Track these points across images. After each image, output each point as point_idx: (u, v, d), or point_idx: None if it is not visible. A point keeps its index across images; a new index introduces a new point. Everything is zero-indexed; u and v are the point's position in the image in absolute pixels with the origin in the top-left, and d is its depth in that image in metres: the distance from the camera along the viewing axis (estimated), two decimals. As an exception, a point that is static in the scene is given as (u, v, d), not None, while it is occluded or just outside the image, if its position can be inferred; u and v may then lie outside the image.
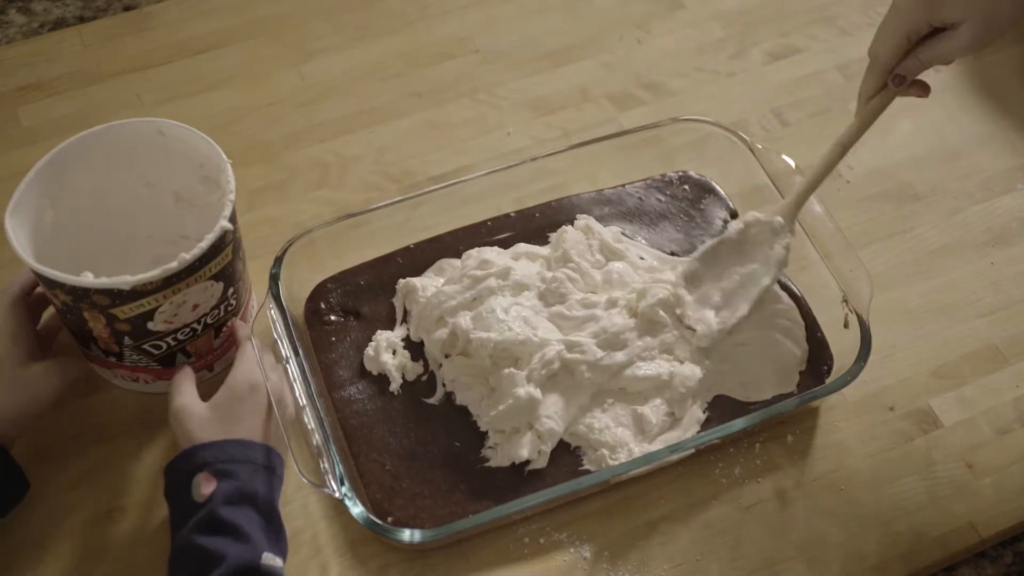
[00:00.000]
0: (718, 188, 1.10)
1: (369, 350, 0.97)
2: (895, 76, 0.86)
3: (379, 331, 0.99)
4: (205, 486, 0.80)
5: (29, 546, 0.89)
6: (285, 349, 0.92)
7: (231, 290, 0.91)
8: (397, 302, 1.01)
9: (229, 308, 0.93)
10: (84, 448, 0.94)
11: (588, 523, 0.91)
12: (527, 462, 0.91)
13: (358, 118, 1.17)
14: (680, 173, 1.11)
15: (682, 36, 1.26)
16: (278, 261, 0.96)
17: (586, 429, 0.93)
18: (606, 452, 0.91)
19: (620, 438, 0.92)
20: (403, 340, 0.99)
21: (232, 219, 0.86)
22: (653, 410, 0.93)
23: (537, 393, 0.91)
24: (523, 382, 0.91)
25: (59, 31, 1.24)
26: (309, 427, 0.88)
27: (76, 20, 1.26)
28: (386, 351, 0.97)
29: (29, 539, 0.90)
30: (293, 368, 0.91)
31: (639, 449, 0.92)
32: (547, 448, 0.91)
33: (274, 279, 0.95)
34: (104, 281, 0.81)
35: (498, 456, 0.92)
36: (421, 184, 1.11)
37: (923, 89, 0.89)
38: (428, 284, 1.00)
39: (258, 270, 1.04)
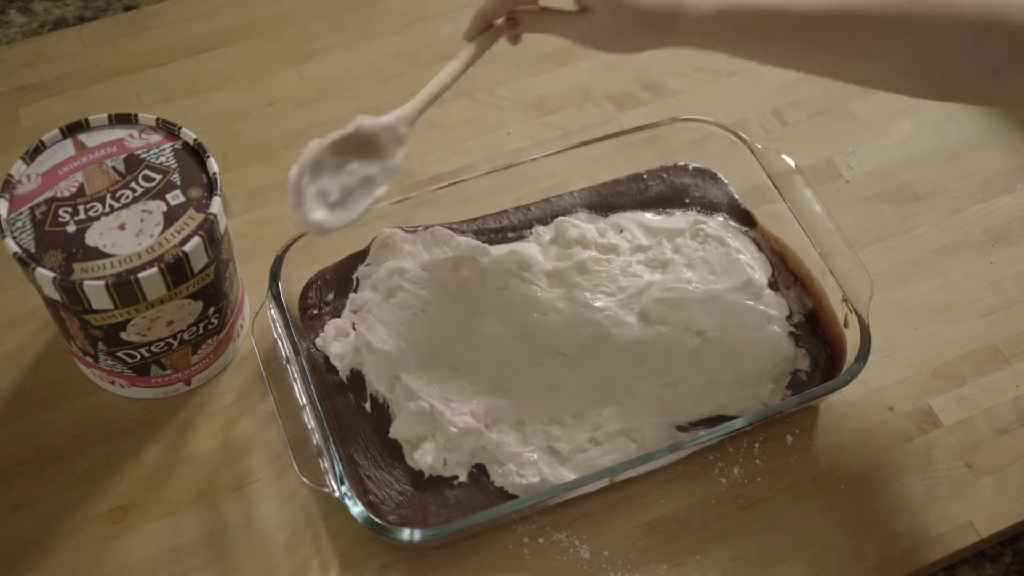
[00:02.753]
0: (719, 175, 1.11)
1: (319, 340, 0.97)
2: (512, 18, 0.88)
3: (329, 320, 0.99)
4: None
5: (29, 546, 0.89)
6: (285, 349, 0.92)
7: (212, 309, 0.91)
8: (371, 256, 1.01)
9: (210, 327, 0.93)
10: (84, 448, 0.94)
11: (588, 523, 0.91)
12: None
13: (358, 118, 1.17)
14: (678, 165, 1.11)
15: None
16: (278, 261, 0.96)
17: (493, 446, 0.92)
18: (513, 467, 0.91)
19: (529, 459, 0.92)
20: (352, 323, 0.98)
21: (213, 241, 0.86)
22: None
23: (434, 404, 0.91)
24: (417, 395, 0.92)
25: (59, 31, 1.24)
26: (309, 427, 0.88)
27: (76, 20, 1.26)
28: (334, 341, 0.97)
29: (29, 539, 0.90)
30: (293, 368, 0.91)
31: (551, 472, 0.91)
32: (454, 457, 0.91)
33: (274, 279, 0.95)
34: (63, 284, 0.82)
35: (414, 463, 0.91)
36: (421, 184, 1.11)
37: (516, 39, 0.90)
38: (406, 249, 1.01)
39: (258, 270, 1.04)
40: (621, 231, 1.05)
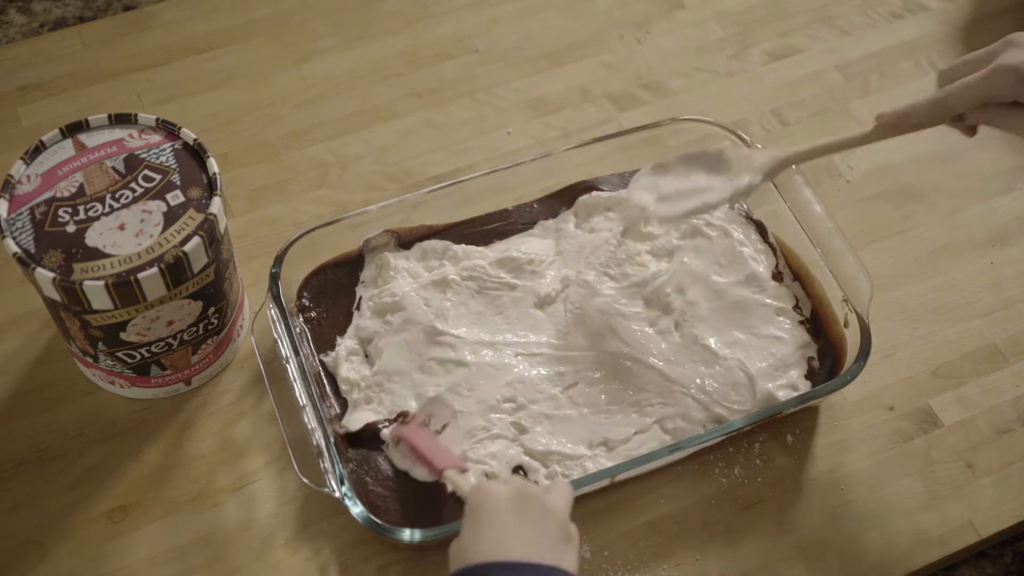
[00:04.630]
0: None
1: (328, 359, 0.97)
2: (959, 117, 0.85)
3: (338, 338, 0.98)
4: None
5: (29, 546, 0.89)
6: (285, 349, 0.92)
7: (212, 309, 0.91)
8: (366, 274, 1.01)
9: (210, 327, 0.93)
10: (84, 448, 0.94)
11: (588, 523, 0.91)
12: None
13: (358, 118, 1.17)
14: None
15: (682, 36, 1.26)
16: (278, 261, 0.96)
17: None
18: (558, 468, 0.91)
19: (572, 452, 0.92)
20: (357, 340, 0.98)
21: (212, 241, 0.86)
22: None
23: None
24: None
25: (59, 31, 1.24)
26: (309, 427, 0.88)
27: (76, 20, 1.26)
28: (345, 362, 0.96)
29: (29, 539, 0.90)
30: (293, 368, 0.91)
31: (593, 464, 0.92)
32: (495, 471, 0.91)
33: (274, 279, 0.95)
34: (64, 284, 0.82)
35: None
36: (421, 184, 1.11)
37: (971, 131, 0.88)
38: (401, 266, 1.00)
39: (258, 270, 1.04)
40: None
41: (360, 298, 1.00)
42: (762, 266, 1.02)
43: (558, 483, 0.76)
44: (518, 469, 0.91)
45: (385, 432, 0.92)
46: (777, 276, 1.02)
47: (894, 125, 0.87)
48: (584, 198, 1.06)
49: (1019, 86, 0.79)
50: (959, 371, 1.02)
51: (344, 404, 0.95)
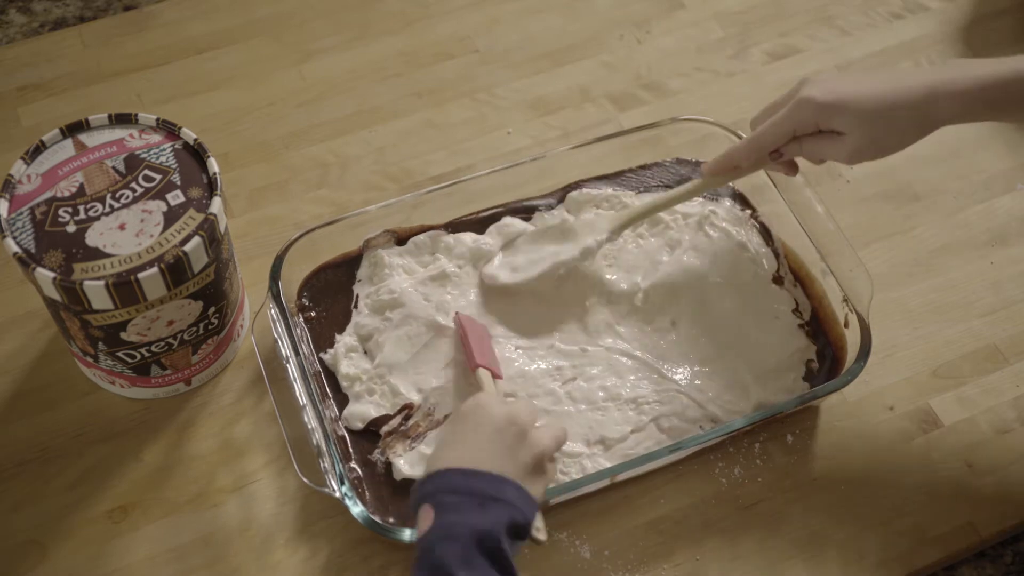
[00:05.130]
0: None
1: (327, 356, 0.97)
2: (774, 152, 0.91)
3: (337, 336, 0.98)
4: (424, 520, 0.73)
5: (29, 546, 0.89)
6: (285, 349, 0.92)
7: (212, 309, 0.91)
8: (362, 272, 1.01)
9: (210, 327, 0.93)
10: (84, 448, 0.94)
11: (588, 523, 0.91)
12: None
13: (358, 118, 1.17)
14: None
15: (682, 36, 1.26)
16: (278, 261, 0.96)
17: None
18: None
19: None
20: (356, 337, 0.98)
21: (213, 241, 0.86)
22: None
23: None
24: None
25: (59, 31, 1.24)
26: (309, 427, 0.88)
27: (76, 20, 1.26)
28: (344, 358, 0.96)
29: (29, 539, 0.90)
30: (293, 368, 0.91)
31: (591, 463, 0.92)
32: None
33: (274, 279, 0.95)
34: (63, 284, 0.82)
35: None
36: (421, 184, 1.11)
37: (792, 168, 0.95)
38: (396, 263, 1.00)
39: (258, 270, 1.04)
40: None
41: (357, 296, 1.00)
42: (762, 269, 1.02)
43: (553, 424, 0.82)
44: None
45: (385, 429, 0.92)
46: (778, 280, 1.02)
47: (718, 171, 0.95)
48: (574, 194, 1.06)
49: (817, 113, 0.86)
50: (959, 371, 1.02)
51: (344, 402, 0.95)
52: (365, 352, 0.97)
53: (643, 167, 1.10)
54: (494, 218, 1.05)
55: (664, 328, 0.99)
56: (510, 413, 0.78)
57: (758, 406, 0.94)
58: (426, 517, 0.72)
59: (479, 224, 1.05)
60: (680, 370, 0.96)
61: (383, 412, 0.93)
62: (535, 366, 0.96)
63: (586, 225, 1.01)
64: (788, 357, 0.98)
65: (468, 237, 1.03)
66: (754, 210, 1.08)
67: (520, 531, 0.74)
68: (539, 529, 0.76)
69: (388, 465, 0.91)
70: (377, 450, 0.92)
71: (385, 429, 0.92)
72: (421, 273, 1.00)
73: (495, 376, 0.90)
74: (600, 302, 0.99)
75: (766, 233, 1.06)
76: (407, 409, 0.93)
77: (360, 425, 0.93)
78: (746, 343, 0.98)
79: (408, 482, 0.90)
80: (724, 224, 1.05)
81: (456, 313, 0.96)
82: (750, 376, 0.96)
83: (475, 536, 0.70)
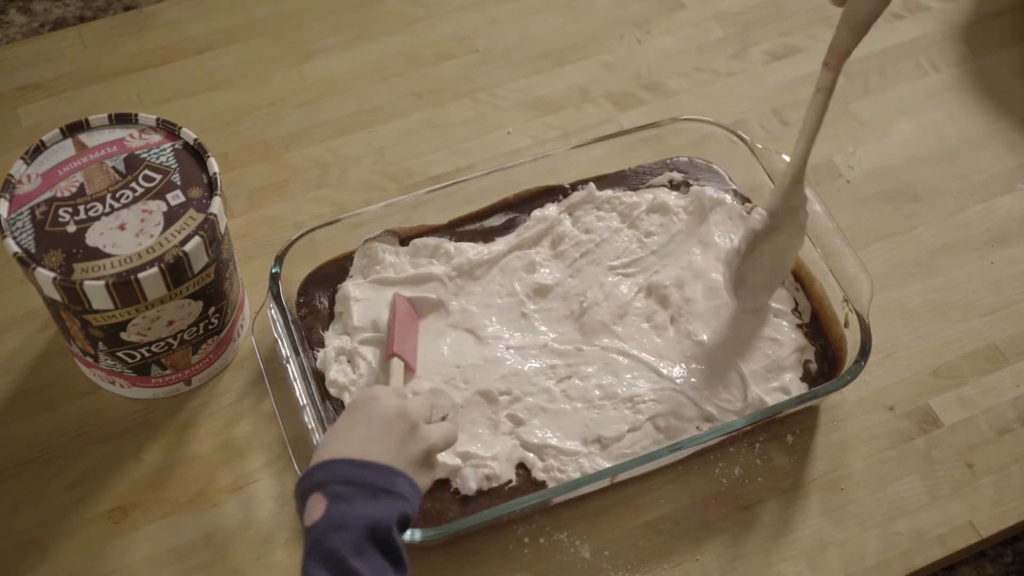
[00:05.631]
0: (718, 168, 1.11)
1: (318, 359, 0.96)
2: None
3: (328, 334, 0.98)
4: (315, 509, 0.73)
5: (29, 546, 0.89)
6: (285, 349, 0.92)
7: (212, 309, 0.91)
8: (355, 267, 1.01)
9: (210, 327, 0.93)
10: (84, 448, 0.94)
11: (588, 523, 0.91)
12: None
13: (358, 118, 1.17)
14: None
15: (682, 36, 1.26)
16: (278, 261, 0.96)
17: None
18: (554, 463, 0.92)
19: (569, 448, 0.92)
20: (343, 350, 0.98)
21: (213, 241, 0.86)
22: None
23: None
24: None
25: (59, 31, 1.24)
26: (309, 427, 0.88)
27: (76, 20, 1.26)
28: (334, 363, 0.96)
29: (29, 539, 0.90)
30: (293, 368, 0.91)
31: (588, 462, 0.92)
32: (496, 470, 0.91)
33: (274, 279, 0.95)
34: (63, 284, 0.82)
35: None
36: (421, 184, 1.11)
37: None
38: (388, 260, 1.00)
39: (258, 270, 1.04)
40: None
41: (351, 292, 0.99)
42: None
43: (445, 424, 0.85)
44: (520, 466, 0.91)
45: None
46: None
47: (837, 64, 0.88)
48: (575, 195, 1.06)
49: None
50: (959, 371, 1.02)
51: (343, 405, 0.95)
52: (349, 361, 0.97)
53: (642, 167, 1.10)
54: (498, 229, 1.05)
55: (662, 325, 0.99)
56: (402, 407, 0.79)
57: (754, 405, 0.94)
58: (317, 506, 0.72)
59: (480, 228, 1.05)
60: (677, 368, 0.96)
61: None
62: (528, 365, 0.96)
63: (784, 211, 0.95)
64: (786, 357, 0.98)
65: (471, 249, 1.02)
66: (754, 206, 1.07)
67: (406, 523, 0.75)
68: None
69: None
70: None
71: None
72: (408, 272, 1.00)
73: (408, 369, 0.91)
74: (596, 300, 0.99)
75: None
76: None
77: None
78: (744, 342, 0.98)
79: None
80: (725, 220, 1.05)
81: (394, 295, 0.96)
82: (747, 375, 0.96)
83: (368, 526, 0.71)
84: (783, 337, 0.99)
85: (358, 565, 0.69)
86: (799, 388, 0.96)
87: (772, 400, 0.94)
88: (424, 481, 0.80)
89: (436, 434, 0.82)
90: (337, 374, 0.95)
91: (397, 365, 0.91)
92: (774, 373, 0.97)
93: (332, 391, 0.94)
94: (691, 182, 1.09)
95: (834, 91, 0.89)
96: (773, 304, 1.01)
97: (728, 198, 1.07)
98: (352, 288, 0.98)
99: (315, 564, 0.70)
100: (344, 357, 0.96)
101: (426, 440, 0.80)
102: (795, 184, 0.94)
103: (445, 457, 0.90)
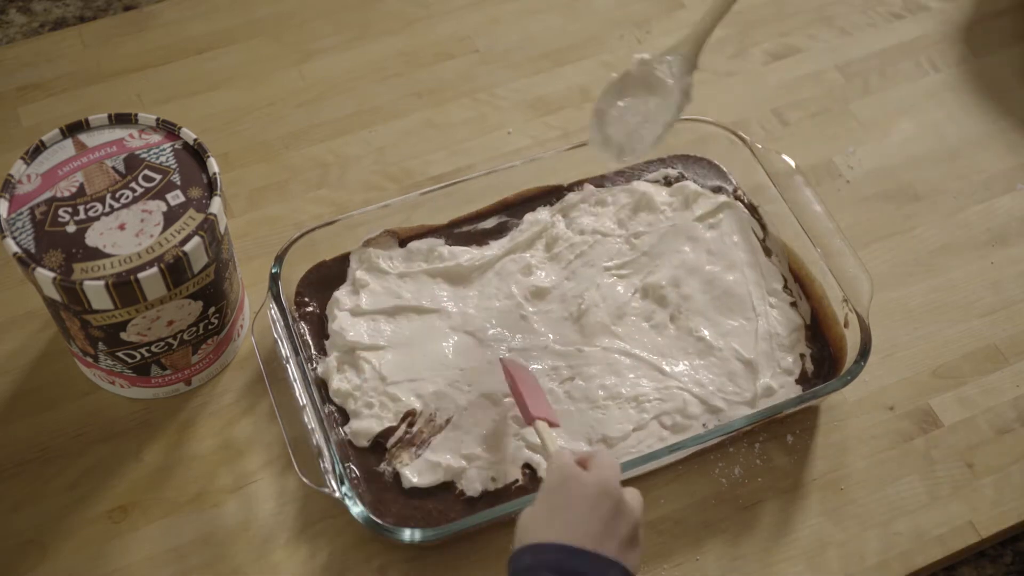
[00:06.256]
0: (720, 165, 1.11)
1: (319, 366, 0.96)
2: None
3: (327, 343, 0.98)
4: None
5: (29, 546, 0.89)
6: (285, 349, 0.92)
7: (212, 309, 0.91)
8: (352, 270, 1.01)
9: (210, 327, 0.93)
10: (84, 448, 0.94)
11: (588, 523, 0.91)
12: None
13: (358, 118, 1.17)
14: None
15: (682, 36, 1.26)
16: (278, 261, 0.96)
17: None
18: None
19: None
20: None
21: (213, 241, 0.86)
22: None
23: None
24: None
25: (59, 31, 1.24)
26: (309, 427, 0.88)
27: (76, 20, 1.26)
28: (336, 373, 0.95)
29: (29, 539, 0.90)
30: (293, 368, 0.91)
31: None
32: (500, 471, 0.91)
33: (274, 279, 0.95)
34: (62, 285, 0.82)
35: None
36: (421, 184, 1.11)
37: None
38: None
39: (258, 270, 1.04)
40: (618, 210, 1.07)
41: (343, 302, 0.99)
42: (753, 243, 1.04)
43: (633, 491, 0.76)
44: (526, 467, 0.91)
45: (391, 441, 0.92)
46: (767, 251, 1.04)
47: None
48: (570, 195, 1.06)
49: None
50: (959, 371, 1.02)
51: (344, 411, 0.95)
52: (354, 364, 0.96)
53: (639, 165, 1.10)
54: (493, 231, 1.05)
55: (663, 323, 0.99)
56: (602, 482, 0.73)
57: (762, 391, 0.94)
58: None
59: (477, 230, 1.05)
60: (680, 365, 0.96)
61: (386, 424, 0.93)
62: (531, 367, 0.96)
63: (663, 64, 0.94)
64: (787, 336, 0.98)
65: (464, 253, 1.02)
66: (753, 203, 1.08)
67: None
68: None
69: (396, 475, 0.91)
70: (384, 462, 0.92)
71: (391, 441, 0.92)
72: (395, 271, 1.01)
73: (552, 425, 0.86)
74: (595, 302, 0.99)
75: (754, 211, 1.06)
76: (410, 416, 0.93)
77: (366, 443, 0.92)
78: (741, 327, 0.98)
79: (417, 491, 0.90)
80: (710, 214, 1.05)
81: (501, 359, 0.94)
82: (753, 362, 0.96)
83: None
84: (781, 316, 0.99)
85: None
86: (802, 367, 0.97)
87: (778, 385, 0.95)
88: (635, 560, 0.73)
89: (635, 500, 0.75)
90: (340, 382, 0.95)
91: (543, 428, 0.85)
92: (777, 355, 0.97)
93: (336, 400, 0.94)
94: (685, 176, 1.09)
95: None
96: (764, 283, 1.01)
97: (709, 192, 1.07)
98: (344, 298, 0.99)
99: None
100: (347, 365, 0.96)
101: (632, 514, 0.74)
102: (681, 56, 0.93)
103: (450, 460, 0.90)
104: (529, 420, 0.86)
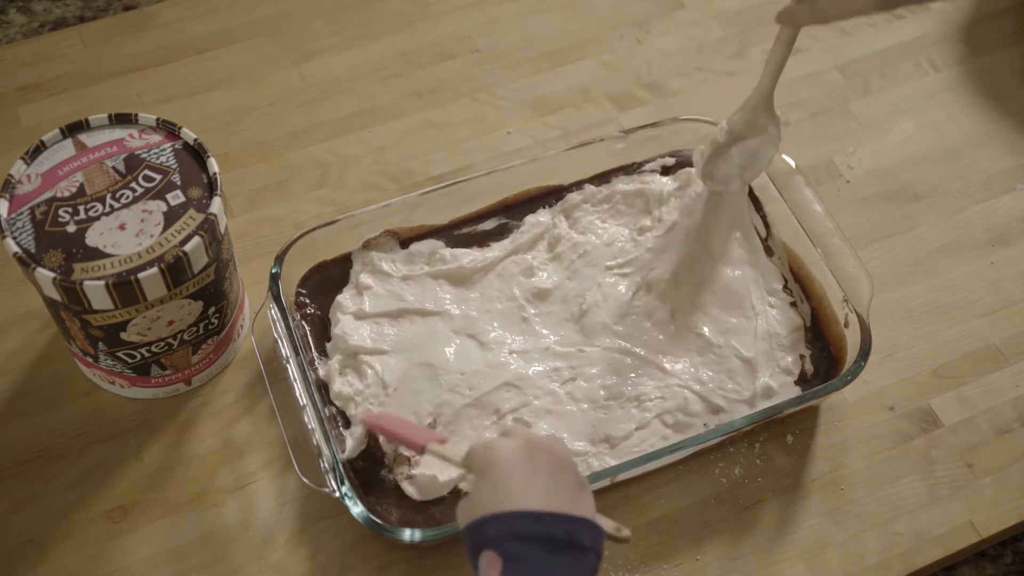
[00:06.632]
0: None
1: (321, 369, 0.96)
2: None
3: (328, 345, 0.98)
4: (488, 571, 0.67)
5: (29, 546, 0.89)
6: (285, 349, 0.92)
7: (212, 309, 0.91)
8: (354, 274, 1.01)
9: (210, 327, 0.93)
10: (84, 448, 0.94)
11: (588, 523, 0.91)
12: None
13: (358, 118, 1.17)
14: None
15: (682, 36, 1.26)
16: (278, 261, 0.96)
17: None
18: None
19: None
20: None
21: (213, 241, 0.86)
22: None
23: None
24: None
25: (59, 31, 1.24)
26: (309, 427, 0.88)
27: (76, 20, 1.26)
28: (339, 376, 0.95)
29: (29, 539, 0.90)
30: (293, 368, 0.91)
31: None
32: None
33: (274, 279, 0.95)
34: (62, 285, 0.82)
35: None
36: (421, 184, 1.11)
37: None
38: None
39: (258, 270, 1.04)
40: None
41: (346, 305, 0.99)
42: (754, 241, 1.03)
43: (552, 436, 0.76)
44: None
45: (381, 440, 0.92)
46: (768, 251, 1.04)
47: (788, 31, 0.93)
48: (571, 196, 1.06)
49: None
50: (959, 371, 1.02)
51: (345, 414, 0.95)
52: (356, 368, 0.96)
53: (635, 163, 1.10)
54: (494, 232, 1.05)
55: (663, 320, 0.99)
56: (527, 441, 0.72)
57: (761, 391, 0.94)
58: (492, 566, 0.67)
59: (477, 232, 1.05)
60: (681, 363, 0.97)
61: None
62: (532, 369, 0.96)
63: (748, 123, 0.99)
64: (787, 336, 0.98)
65: (466, 255, 1.02)
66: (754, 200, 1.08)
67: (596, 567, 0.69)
68: (619, 528, 0.73)
69: (397, 485, 0.91)
70: (384, 468, 0.92)
71: (389, 456, 0.92)
72: (398, 274, 1.00)
73: (441, 441, 0.82)
74: (596, 302, 0.99)
75: (756, 202, 1.06)
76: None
77: (364, 446, 0.92)
78: (741, 326, 0.98)
79: (419, 504, 0.90)
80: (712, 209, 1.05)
81: (361, 419, 0.90)
82: (752, 360, 0.96)
83: None
84: (781, 315, 0.99)
85: None
86: (801, 366, 0.97)
87: (777, 385, 0.95)
88: (588, 505, 0.71)
89: (564, 447, 0.74)
90: (342, 386, 0.95)
91: (437, 447, 0.80)
92: (777, 353, 0.97)
93: (337, 403, 0.94)
94: (682, 164, 1.09)
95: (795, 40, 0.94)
96: (764, 282, 1.01)
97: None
98: (347, 302, 0.99)
99: None
100: (349, 368, 0.96)
101: (566, 459, 0.72)
102: (759, 108, 0.97)
103: (451, 472, 0.90)
104: (420, 450, 0.81)
